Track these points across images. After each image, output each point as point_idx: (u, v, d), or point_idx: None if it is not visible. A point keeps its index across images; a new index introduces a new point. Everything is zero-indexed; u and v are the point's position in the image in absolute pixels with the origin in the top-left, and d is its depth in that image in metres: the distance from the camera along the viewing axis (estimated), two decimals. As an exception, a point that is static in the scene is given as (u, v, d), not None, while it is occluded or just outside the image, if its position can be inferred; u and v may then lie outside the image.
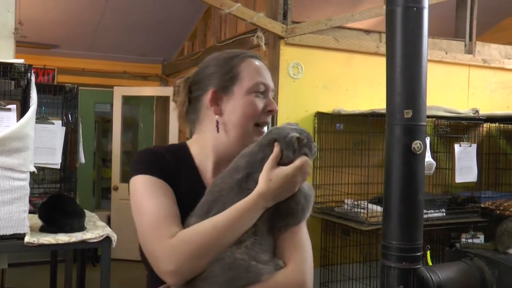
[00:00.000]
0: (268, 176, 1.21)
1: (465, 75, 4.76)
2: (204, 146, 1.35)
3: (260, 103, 1.32)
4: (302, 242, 1.26)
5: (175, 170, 1.29)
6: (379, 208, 3.49)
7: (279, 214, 1.22)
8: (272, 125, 3.90)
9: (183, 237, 1.16)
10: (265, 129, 1.33)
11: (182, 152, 1.35)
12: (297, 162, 1.22)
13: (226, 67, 1.34)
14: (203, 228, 1.17)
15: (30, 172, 2.43)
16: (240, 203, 1.19)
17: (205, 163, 1.34)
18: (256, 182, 1.21)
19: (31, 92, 2.48)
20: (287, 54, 4.06)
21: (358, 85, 4.29)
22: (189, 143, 1.38)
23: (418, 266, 2.43)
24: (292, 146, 1.22)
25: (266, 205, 1.20)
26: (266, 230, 1.21)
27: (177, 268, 1.13)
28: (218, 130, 1.33)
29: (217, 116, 1.33)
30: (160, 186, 1.24)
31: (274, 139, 1.24)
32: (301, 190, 1.24)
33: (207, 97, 1.33)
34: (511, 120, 4.27)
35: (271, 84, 1.36)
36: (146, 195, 1.23)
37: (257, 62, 1.36)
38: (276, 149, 1.22)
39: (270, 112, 1.33)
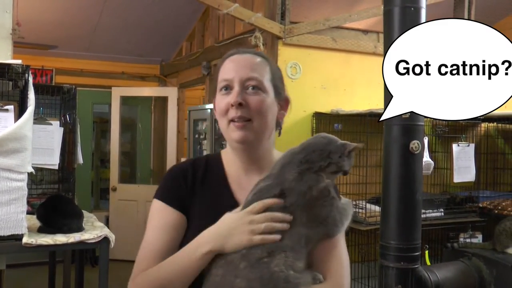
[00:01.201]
0: (224, 215, 1.21)
1: (463, 75, 4.76)
2: (228, 152, 1.37)
3: (224, 100, 1.29)
4: (341, 257, 1.26)
5: (200, 183, 1.32)
6: (377, 208, 3.49)
7: (310, 226, 1.19)
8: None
9: (137, 280, 1.23)
10: (248, 123, 1.27)
11: (213, 161, 1.38)
12: (249, 207, 1.19)
13: (215, 73, 1.39)
14: (152, 270, 1.22)
15: (28, 173, 2.42)
16: (188, 244, 1.20)
17: (233, 169, 1.35)
18: (283, 184, 1.19)
19: (28, 92, 2.47)
20: (285, 54, 4.06)
21: (356, 85, 4.30)
22: (223, 151, 1.41)
23: (416, 266, 2.43)
24: (341, 151, 1.22)
25: (206, 248, 1.17)
26: (296, 241, 1.17)
27: None
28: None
29: None
30: (165, 216, 1.29)
31: (328, 147, 1.21)
32: (335, 204, 1.21)
33: None
34: (509, 120, 4.27)
35: (239, 75, 1.29)
36: (149, 224, 1.31)
37: (232, 58, 1.34)
38: (272, 201, 1.19)
39: (232, 106, 1.27)
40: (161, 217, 1.29)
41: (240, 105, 1.26)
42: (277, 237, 1.15)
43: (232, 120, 1.28)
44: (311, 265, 1.21)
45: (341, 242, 1.27)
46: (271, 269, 1.12)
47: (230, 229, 1.17)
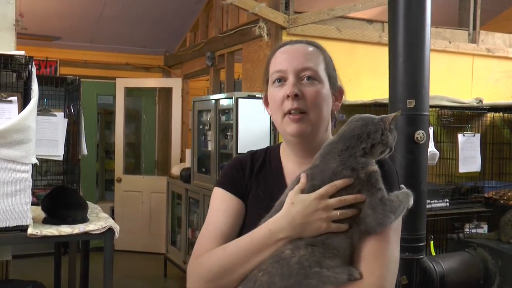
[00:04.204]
0: (291, 199, 1.14)
1: (468, 65, 4.73)
2: (283, 146, 1.35)
3: (278, 92, 1.26)
4: (384, 256, 1.14)
5: (256, 175, 1.32)
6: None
7: (353, 218, 1.12)
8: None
9: (201, 259, 1.21)
10: (304, 116, 1.23)
11: (272, 154, 1.37)
12: (321, 190, 1.13)
13: (265, 66, 1.36)
14: (215, 252, 1.19)
15: (32, 164, 2.42)
16: (256, 229, 1.16)
17: (288, 163, 1.33)
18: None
19: (32, 84, 2.47)
20: (290, 45, 4.03)
21: (361, 75, 4.27)
22: (282, 144, 1.38)
23: (421, 257, 2.43)
24: (381, 128, 1.15)
25: (284, 235, 1.12)
26: (333, 235, 1.11)
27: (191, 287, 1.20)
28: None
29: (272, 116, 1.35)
30: (225, 201, 1.30)
31: (365, 128, 1.15)
32: (379, 195, 1.12)
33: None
34: (515, 110, 4.24)
35: (293, 65, 1.25)
36: (210, 209, 1.31)
37: (284, 49, 1.30)
38: (303, 178, 1.16)
39: (288, 97, 1.23)
40: (222, 202, 1.30)
41: (296, 96, 1.22)
42: (346, 226, 1.11)
43: (287, 113, 1.24)
44: (352, 262, 1.14)
45: (389, 238, 1.16)
46: (292, 266, 1.07)
47: (306, 216, 1.11)
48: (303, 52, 1.27)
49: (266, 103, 1.35)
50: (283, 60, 1.27)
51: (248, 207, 1.29)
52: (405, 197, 1.17)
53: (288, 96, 1.22)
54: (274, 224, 1.13)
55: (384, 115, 1.18)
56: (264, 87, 1.35)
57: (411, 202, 1.18)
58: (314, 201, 1.11)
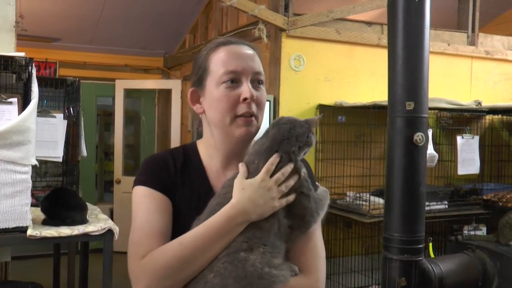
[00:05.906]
0: (241, 185, 1.15)
1: (467, 67, 4.74)
2: (208, 146, 1.31)
3: (231, 94, 1.22)
4: (316, 250, 1.23)
5: (180, 174, 1.27)
6: (381, 201, 3.49)
7: (288, 218, 1.17)
8: (274, 116, 3.90)
9: (152, 256, 1.13)
10: (254, 119, 1.23)
11: (190, 153, 1.32)
12: (263, 170, 1.16)
13: (199, 62, 1.32)
14: (170, 247, 1.14)
15: (32, 166, 2.42)
16: (211, 218, 1.14)
17: (212, 163, 1.30)
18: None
19: (32, 85, 2.47)
20: (289, 47, 4.05)
21: (360, 77, 4.28)
22: (198, 142, 1.35)
23: (420, 258, 2.43)
24: (308, 131, 1.19)
25: (242, 219, 1.13)
26: (276, 234, 1.16)
27: None
28: (203, 129, 1.32)
29: (201, 115, 1.31)
30: (154, 199, 1.23)
31: (294, 132, 1.18)
32: (311, 195, 1.19)
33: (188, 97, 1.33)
34: (513, 112, 4.25)
35: (248, 68, 1.24)
36: (139, 209, 1.23)
37: (230, 48, 1.26)
38: (243, 166, 1.18)
39: (245, 100, 1.21)
40: (150, 200, 1.22)
41: (253, 100, 1.22)
42: (293, 196, 1.17)
43: (240, 115, 1.22)
44: (288, 258, 1.19)
45: (316, 233, 1.24)
46: (247, 268, 1.09)
47: (259, 197, 1.13)
48: (252, 55, 1.27)
49: (195, 101, 1.31)
50: (236, 62, 1.24)
51: (176, 207, 1.24)
52: (326, 195, 1.25)
53: (245, 99, 1.21)
54: (232, 210, 1.13)
55: (309, 118, 1.22)
56: (195, 83, 1.31)
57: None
58: (262, 182, 1.15)
